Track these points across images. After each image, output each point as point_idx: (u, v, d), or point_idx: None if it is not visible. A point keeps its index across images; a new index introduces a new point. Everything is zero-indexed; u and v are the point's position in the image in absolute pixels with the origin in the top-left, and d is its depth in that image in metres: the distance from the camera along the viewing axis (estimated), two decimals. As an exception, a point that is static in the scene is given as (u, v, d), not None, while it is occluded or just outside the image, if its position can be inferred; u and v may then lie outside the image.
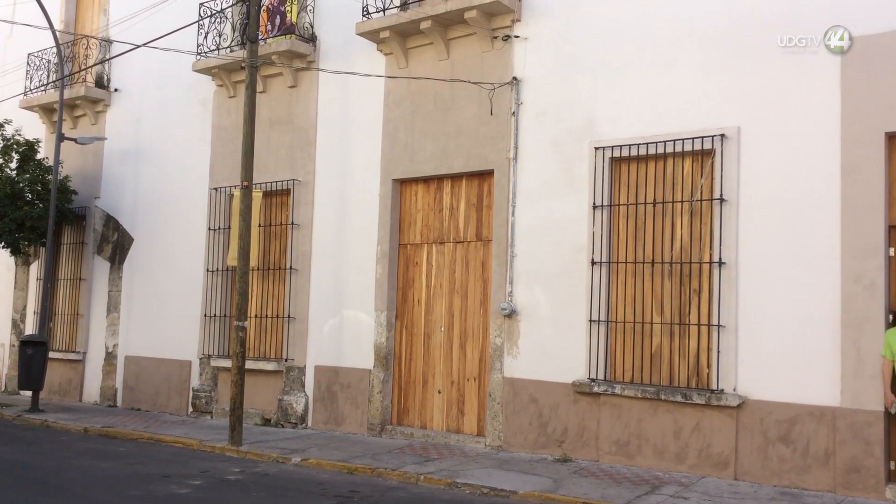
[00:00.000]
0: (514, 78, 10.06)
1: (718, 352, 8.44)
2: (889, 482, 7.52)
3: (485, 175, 10.44)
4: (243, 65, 10.86)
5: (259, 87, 11.96)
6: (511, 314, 9.84)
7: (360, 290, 11.30)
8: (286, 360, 11.86)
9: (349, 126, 11.65)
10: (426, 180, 11.01)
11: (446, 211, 10.86)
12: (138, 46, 12.27)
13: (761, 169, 8.37)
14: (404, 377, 11.05)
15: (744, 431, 8.21)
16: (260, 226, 12.01)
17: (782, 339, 8.09)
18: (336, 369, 11.46)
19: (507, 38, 10.14)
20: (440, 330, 10.74)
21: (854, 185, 7.81)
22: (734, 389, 8.30)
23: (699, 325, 8.69)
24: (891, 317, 7.65)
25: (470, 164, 10.44)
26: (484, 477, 8.39)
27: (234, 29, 12.64)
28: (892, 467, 7.61)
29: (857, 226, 7.77)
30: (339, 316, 11.51)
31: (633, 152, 9.15)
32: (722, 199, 8.53)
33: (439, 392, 10.67)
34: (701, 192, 8.79)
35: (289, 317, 11.95)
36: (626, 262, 9.24)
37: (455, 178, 10.75)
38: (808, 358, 7.94)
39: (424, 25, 10.46)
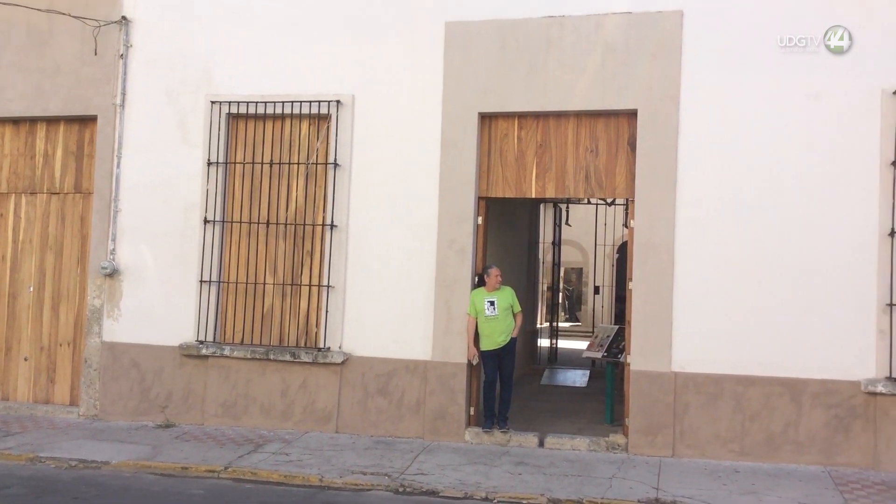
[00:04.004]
0: (124, 17, 9.23)
1: (327, 311, 8.70)
2: (468, 426, 8.42)
3: (87, 121, 9.47)
4: None
5: None
6: (113, 274, 9.12)
7: (-75, 245, 9.60)
8: None
9: (-85, 48, 9.76)
10: (15, 122, 9.66)
11: (40, 158, 9.65)
12: None
13: (373, 137, 8.74)
14: (-18, 344, 9.67)
15: (346, 387, 8.59)
16: None
17: (386, 299, 8.58)
18: None
19: (116, -28, 9.27)
20: (28, 290, 9.56)
21: (451, 158, 8.52)
22: (340, 347, 8.64)
23: (310, 285, 8.86)
24: (476, 278, 8.53)
25: (69, 108, 9.38)
26: (73, 449, 7.69)
27: None
28: (472, 412, 8.53)
29: (452, 196, 8.50)
30: None
31: (252, 110, 8.98)
32: (336, 164, 8.76)
33: (26, 359, 9.52)
34: (317, 156, 8.93)
35: None
36: (240, 222, 9.06)
37: (51, 121, 9.59)
38: (406, 316, 8.52)
39: (16, -58, 9.12)
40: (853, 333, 7.54)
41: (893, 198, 7.52)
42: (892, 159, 7.52)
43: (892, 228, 7.50)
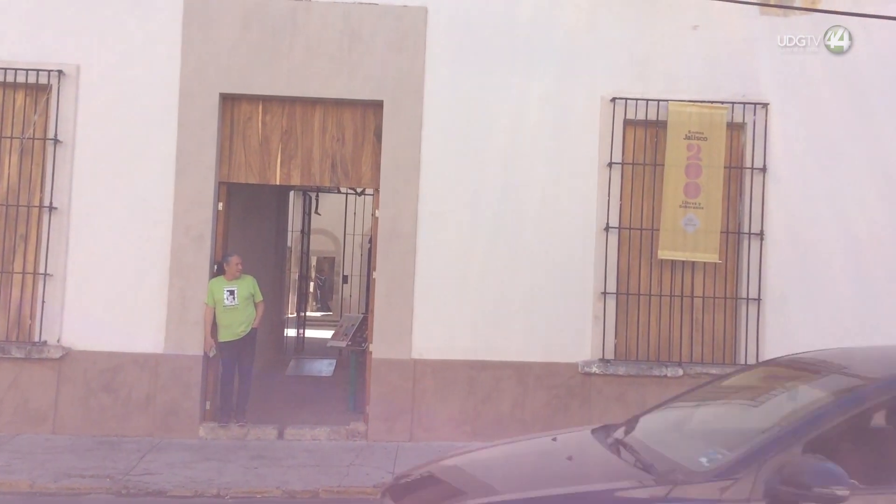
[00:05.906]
0: None
1: (44, 302, 7.90)
2: (203, 421, 8.05)
3: None
4: None
5: None
6: None
7: None
8: None
9: None
10: None
11: None
12: None
13: (101, 113, 8.05)
14: None
15: (66, 384, 7.85)
16: None
17: (113, 289, 7.96)
18: None
19: None
20: None
21: (189, 140, 8.07)
22: (58, 341, 7.88)
23: (24, 273, 7.99)
24: (215, 267, 8.17)
25: None
26: None
27: None
28: (208, 407, 8.16)
29: (190, 180, 8.06)
30: None
31: (-46, 74, 7.92)
32: (57, 140, 7.97)
33: None
34: (34, 131, 8.06)
35: None
36: (-63, 201, 7.97)
37: None
38: (137, 307, 7.96)
39: None
40: (573, 319, 8.18)
41: (609, 196, 8.25)
42: (609, 161, 8.24)
43: (607, 224, 8.22)
